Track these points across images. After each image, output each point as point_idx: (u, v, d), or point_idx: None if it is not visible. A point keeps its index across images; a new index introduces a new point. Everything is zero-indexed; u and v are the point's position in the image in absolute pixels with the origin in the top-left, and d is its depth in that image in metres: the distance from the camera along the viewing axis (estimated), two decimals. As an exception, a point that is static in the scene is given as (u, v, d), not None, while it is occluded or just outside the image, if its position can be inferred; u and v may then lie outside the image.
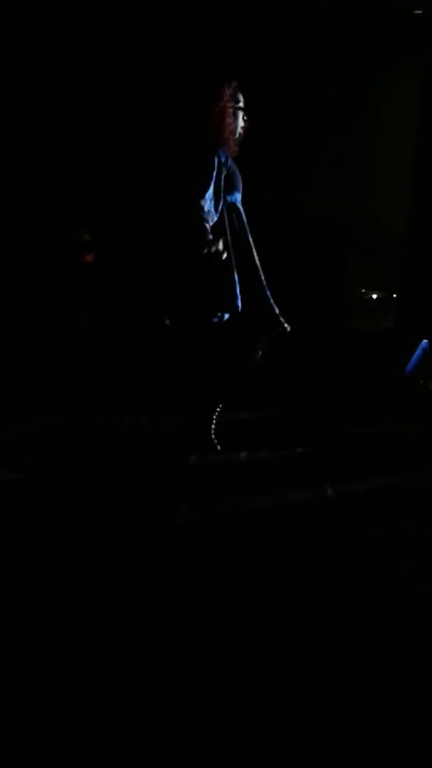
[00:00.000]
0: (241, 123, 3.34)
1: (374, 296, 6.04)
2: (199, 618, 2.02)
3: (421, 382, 4.89)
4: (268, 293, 3.37)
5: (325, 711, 1.61)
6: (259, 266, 3.36)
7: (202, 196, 3.11)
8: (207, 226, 3.12)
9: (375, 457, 3.57)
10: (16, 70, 5.04)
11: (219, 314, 3.23)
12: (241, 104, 3.33)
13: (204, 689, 1.69)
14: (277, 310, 3.37)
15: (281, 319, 3.37)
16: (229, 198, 3.27)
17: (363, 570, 2.35)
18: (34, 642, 1.87)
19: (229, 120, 3.27)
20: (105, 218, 4.98)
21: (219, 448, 3.42)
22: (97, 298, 4.85)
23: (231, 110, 3.29)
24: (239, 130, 3.34)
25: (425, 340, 4.79)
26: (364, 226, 5.76)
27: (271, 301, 3.36)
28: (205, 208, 3.12)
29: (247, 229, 3.34)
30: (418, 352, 4.84)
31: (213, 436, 3.40)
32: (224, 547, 2.49)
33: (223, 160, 3.21)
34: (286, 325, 3.38)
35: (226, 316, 3.25)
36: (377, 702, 1.65)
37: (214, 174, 3.16)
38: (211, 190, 3.14)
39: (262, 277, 3.36)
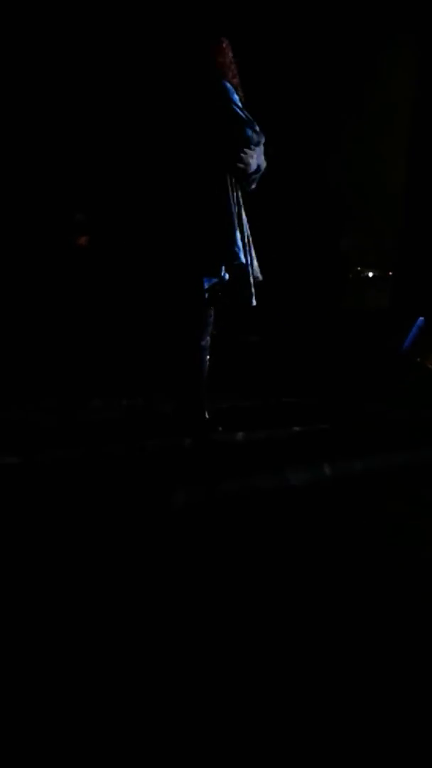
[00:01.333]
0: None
1: (369, 274, 6.02)
2: (202, 604, 2.02)
3: (418, 359, 4.89)
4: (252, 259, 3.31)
5: (338, 703, 1.62)
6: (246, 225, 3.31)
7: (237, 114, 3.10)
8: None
9: (374, 437, 3.57)
10: (10, 45, 4.97)
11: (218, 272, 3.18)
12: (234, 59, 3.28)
13: (206, 681, 1.69)
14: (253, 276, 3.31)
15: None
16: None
17: (363, 550, 2.35)
18: (32, 629, 1.87)
19: (230, 65, 3.23)
20: (101, 195, 4.93)
21: (218, 428, 3.40)
22: (94, 275, 4.82)
23: (231, 58, 3.24)
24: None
25: (421, 318, 4.78)
26: (360, 205, 5.73)
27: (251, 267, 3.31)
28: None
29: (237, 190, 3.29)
30: (414, 329, 4.84)
31: (207, 416, 3.38)
32: (226, 529, 2.49)
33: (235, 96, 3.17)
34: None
35: (225, 276, 3.20)
36: (389, 694, 1.65)
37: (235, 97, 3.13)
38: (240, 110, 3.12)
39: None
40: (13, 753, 1.41)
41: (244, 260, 3.20)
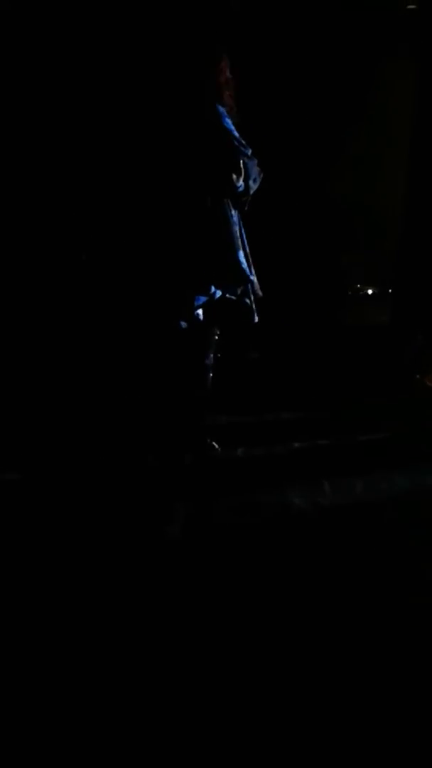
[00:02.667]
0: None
1: (369, 291, 6.03)
2: (201, 618, 2.01)
3: (417, 377, 4.88)
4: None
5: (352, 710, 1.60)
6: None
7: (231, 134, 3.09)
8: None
9: (374, 454, 3.55)
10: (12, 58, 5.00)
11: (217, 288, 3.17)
12: (229, 75, 3.25)
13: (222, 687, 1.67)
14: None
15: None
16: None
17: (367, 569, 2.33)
18: (35, 638, 1.86)
19: (226, 88, 3.21)
20: (103, 216, 4.96)
21: (215, 445, 3.38)
22: (95, 294, 4.84)
23: (228, 78, 3.22)
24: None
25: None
26: (359, 221, 5.75)
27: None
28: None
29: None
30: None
31: (206, 434, 3.36)
32: (225, 547, 2.47)
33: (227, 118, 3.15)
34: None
35: (217, 293, 3.19)
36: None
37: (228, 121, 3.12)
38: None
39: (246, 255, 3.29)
40: (13, 753, 1.40)
41: (252, 278, 3.21)
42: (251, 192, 3.24)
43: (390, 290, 5.82)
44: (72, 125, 5.08)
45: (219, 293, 3.18)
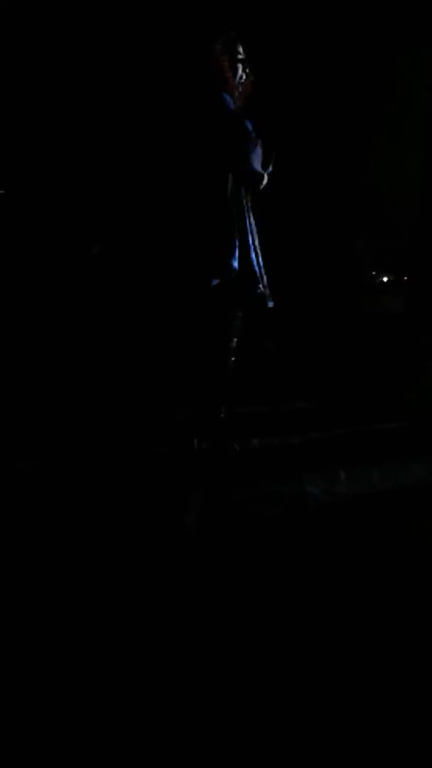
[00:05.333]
0: (241, 74, 3.15)
1: (385, 279, 5.99)
2: (216, 609, 2.00)
3: (431, 365, 4.85)
4: (258, 265, 3.25)
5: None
6: (254, 230, 3.22)
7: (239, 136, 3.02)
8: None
9: (389, 444, 3.53)
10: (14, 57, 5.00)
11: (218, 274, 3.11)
12: (240, 56, 3.13)
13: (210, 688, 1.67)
14: (261, 288, 3.25)
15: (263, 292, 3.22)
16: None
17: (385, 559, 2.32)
18: (40, 630, 1.86)
19: (227, 73, 3.08)
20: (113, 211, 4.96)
21: (236, 447, 3.36)
22: (104, 283, 4.85)
23: (227, 63, 3.09)
24: (237, 81, 3.13)
25: None
26: (375, 209, 5.71)
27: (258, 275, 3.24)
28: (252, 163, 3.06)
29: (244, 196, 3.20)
30: None
31: (223, 425, 3.34)
32: (241, 536, 2.47)
33: (231, 106, 3.06)
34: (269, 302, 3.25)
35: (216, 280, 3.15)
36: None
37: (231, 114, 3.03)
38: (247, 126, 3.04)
39: (256, 243, 3.24)
40: (14, 753, 1.40)
41: (235, 266, 3.14)
42: (261, 173, 3.18)
43: (405, 278, 5.79)
44: (76, 119, 5.08)
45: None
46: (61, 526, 2.54)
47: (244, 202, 3.18)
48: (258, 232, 3.25)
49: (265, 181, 3.21)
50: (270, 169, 3.21)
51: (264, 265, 3.26)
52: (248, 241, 3.15)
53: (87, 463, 3.21)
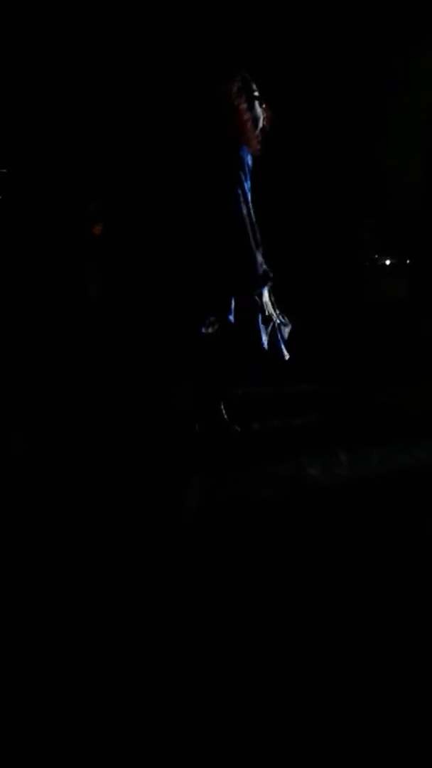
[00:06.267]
0: (260, 114, 3.11)
1: (387, 262, 5.97)
2: (216, 590, 2.02)
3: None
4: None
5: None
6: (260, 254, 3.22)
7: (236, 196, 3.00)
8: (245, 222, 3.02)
9: (392, 426, 3.53)
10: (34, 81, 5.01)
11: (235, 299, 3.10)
12: (256, 94, 3.11)
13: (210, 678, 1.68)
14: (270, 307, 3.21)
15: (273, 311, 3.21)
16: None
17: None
18: (40, 621, 1.88)
19: (245, 116, 3.05)
20: (114, 192, 4.95)
21: (237, 428, 3.35)
22: (109, 267, 4.85)
23: (244, 105, 3.06)
24: (261, 122, 3.12)
25: None
26: (377, 192, 5.68)
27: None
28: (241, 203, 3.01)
29: (252, 217, 3.15)
30: None
31: (224, 412, 3.33)
32: (240, 518, 2.48)
33: (247, 162, 3.05)
34: (278, 319, 3.22)
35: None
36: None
37: (243, 174, 3.02)
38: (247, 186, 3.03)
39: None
40: (14, 752, 1.41)
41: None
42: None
43: (408, 261, 5.77)
44: (82, 127, 5.08)
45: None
46: (65, 507, 2.55)
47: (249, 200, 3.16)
48: (258, 219, 3.24)
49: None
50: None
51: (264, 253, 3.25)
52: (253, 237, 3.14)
53: (89, 443, 3.22)
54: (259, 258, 3.08)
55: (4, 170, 5.14)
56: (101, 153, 5.08)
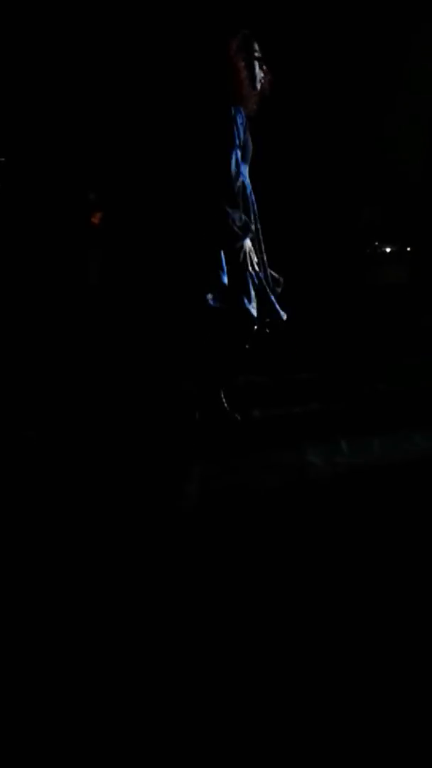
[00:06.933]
0: (259, 75, 3.05)
1: (387, 249, 5.94)
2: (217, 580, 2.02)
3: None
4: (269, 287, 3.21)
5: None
6: (263, 248, 3.18)
7: (229, 159, 2.94)
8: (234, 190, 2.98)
9: (391, 414, 3.52)
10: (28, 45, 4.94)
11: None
12: (257, 54, 3.04)
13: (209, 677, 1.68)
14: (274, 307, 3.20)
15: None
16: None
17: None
18: (40, 612, 1.87)
19: (242, 74, 2.99)
20: (114, 180, 4.93)
21: (237, 416, 3.34)
22: (108, 254, 4.83)
23: (242, 63, 3.00)
24: (258, 83, 3.06)
25: None
26: (377, 178, 5.65)
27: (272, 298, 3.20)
28: (232, 170, 2.95)
29: (253, 205, 3.13)
30: None
31: (224, 399, 3.32)
32: (241, 507, 2.48)
33: (240, 121, 2.97)
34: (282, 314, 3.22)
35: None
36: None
37: (236, 133, 2.95)
38: (237, 153, 2.97)
39: (264, 260, 3.19)
40: (14, 753, 1.40)
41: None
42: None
43: (408, 248, 5.75)
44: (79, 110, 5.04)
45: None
46: (65, 497, 2.55)
47: (248, 181, 3.12)
48: (258, 204, 3.21)
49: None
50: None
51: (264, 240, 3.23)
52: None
53: (88, 432, 3.22)
54: (238, 214, 3.04)
55: (3, 159, 5.11)
56: (100, 131, 5.03)
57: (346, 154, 5.56)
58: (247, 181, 3.09)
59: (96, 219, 4.99)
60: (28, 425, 3.28)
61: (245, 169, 3.09)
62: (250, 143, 3.09)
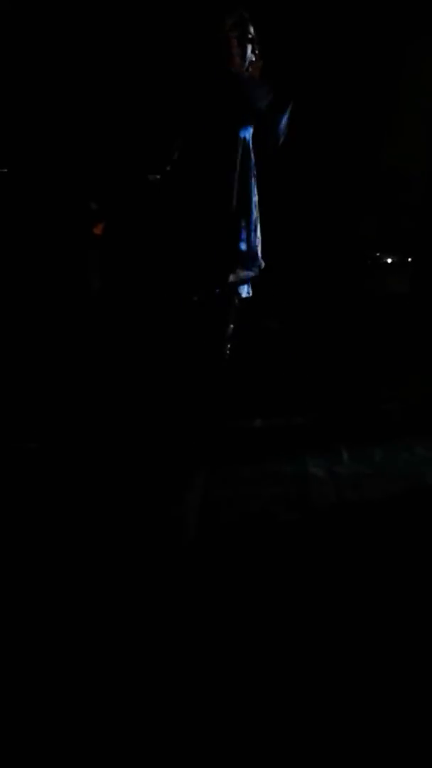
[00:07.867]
0: (250, 57, 3.13)
1: (388, 260, 5.95)
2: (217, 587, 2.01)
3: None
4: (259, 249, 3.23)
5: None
6: (256, 215, 3.22)
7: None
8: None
9: (393, 424, 3.52)
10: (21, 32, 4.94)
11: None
12: (251, 36, 3.12)
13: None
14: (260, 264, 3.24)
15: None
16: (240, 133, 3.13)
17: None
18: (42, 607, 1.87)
19: (233, 50, 3.08)
20: (113, 182, 4.92)
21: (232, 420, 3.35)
22: (110, 262, 4.83)
23: (235, 41, 3.08)
24: (247, 63, 3.13)
25: None
26: (378, 188, 5.65)
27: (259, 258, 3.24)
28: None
29: (252, 169, 3.18)
30: None
31: (224, 407, 3.32)
32: (239, 517, 2.47)
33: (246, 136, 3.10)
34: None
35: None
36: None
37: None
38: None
39: (257, 229, 3.22)
40: (14, 753, 1.40)
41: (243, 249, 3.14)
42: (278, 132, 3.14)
43: (410, 259, 5.75)
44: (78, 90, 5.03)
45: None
46: (63, 506, 2.54)
47: (251, 174, 3.15)
48: (260, 205, 3.23)
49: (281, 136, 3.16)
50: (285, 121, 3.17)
51: (262, 239, 3.25)
52: (251, 217, 3.13)
53: (87, 440, 3.21)
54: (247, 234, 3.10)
55: (5, 170, 5.13)
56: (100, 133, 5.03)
57: (346, 162, 5.57)
58: (250, 143, 3.17)
59: (98, 229, 5.00)
60: (29, 437, 3.27)
61: (249, 130, 3.16)
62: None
